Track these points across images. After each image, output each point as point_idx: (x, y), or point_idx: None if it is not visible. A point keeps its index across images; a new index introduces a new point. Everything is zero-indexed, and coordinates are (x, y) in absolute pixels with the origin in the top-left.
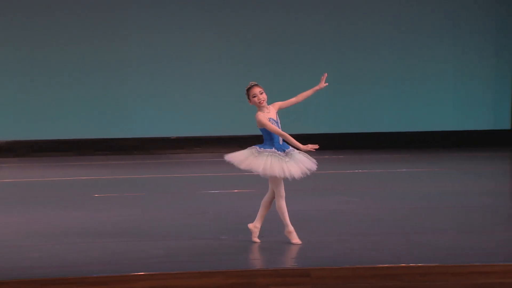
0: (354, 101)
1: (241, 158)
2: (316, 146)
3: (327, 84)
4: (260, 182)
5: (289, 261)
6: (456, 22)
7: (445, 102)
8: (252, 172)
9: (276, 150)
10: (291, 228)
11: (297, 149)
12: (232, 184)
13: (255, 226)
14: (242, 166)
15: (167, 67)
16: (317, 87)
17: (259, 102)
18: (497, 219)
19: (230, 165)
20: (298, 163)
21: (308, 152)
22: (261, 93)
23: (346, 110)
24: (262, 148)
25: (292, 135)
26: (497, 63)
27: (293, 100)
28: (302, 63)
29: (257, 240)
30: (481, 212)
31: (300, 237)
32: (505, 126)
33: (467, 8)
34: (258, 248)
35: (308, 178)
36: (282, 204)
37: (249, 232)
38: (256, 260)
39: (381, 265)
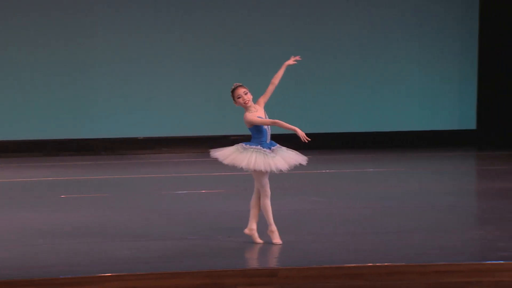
0: (320, 101)
1: (226, 153)
2: (307, 139)
3: (295, 63)
4: (228, 182)
5: (257, 261)
6: (422, 23)
7: (411, 102)
8: (235, 167)
9: (261, 147)
10: (274, 227)
11: (294, 132)
12: (200, 185)
13: (250, 229)
14: (226, 161)
15: (135, 67)
16: (286, 63)
17: (245, 103)
18: (462, 218)
19: (199, 166)
20: (285, 158)
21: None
22: (246, 94)
23: (312, 111)
24: (247, 145)
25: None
26: (463, 64)
27: (270, 88)
28: (267, 64)
29: (259, 241)
30: (446, 212)
31: (266, 237)
32: (471, 126)
33: (432, 9)
34: (226, 249)
35: (276, 178)
36: (267, 203)
37: (214, 233)
38: (224, 261)
39: (348, 265)
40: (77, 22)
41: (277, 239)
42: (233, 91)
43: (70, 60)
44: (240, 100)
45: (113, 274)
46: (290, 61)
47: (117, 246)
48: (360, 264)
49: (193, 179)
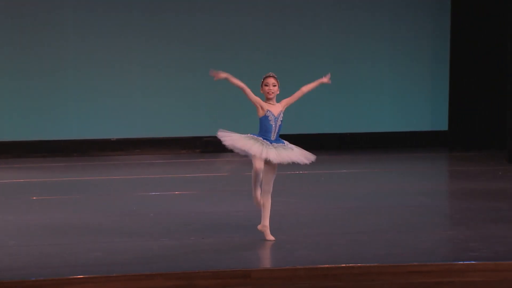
0: (294, 102)
1: (228, 135)
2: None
3: (330, 82)
4: (201, 184)
5: (230, 262)
6: (394, 24)
7: (383, 103)
8: (233, 148)
9: (262, 139)
10: (258, 195)
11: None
12: (173, 186)
13: (263, 226)
14: (226, 141)
15: (108, 68)
16: (321, 80)
17: (268, 93)
18: (434, 219)
19: (172, 167)
20: (281, 152)
21: None
22: (274, 86)
23: (285, 112)
24: (251, 135)
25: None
26: (435, 65)
27: (297, 94)
28: (241, 66)
29: (271, 237)
30: (419, 212)
31: (239, 239)
32: (443, 127)
33: (404, 10)
34: (199, 250)
35: (248, 179)
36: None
37: (187, 235)
38: (197, 262)
39: (320, 266)
40: (47, 24)
41: (258, 204)
42: (265, 77)
43: (41, 61)
44: (266, 88)
45: (85, 276)
46: (325, 80)
47: (89, 247)
48: (332, 265)
49: (166, 180)
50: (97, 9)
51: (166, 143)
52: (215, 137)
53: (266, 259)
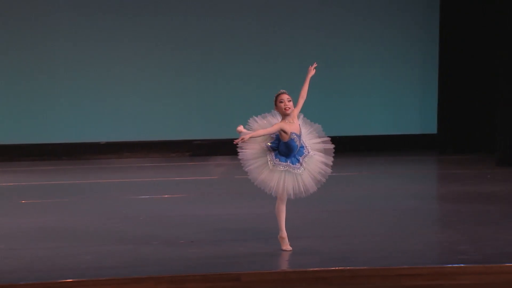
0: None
1: (254, 164)
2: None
3: (314, 71)
4: (190, 187)
5: (220, 265)
6: (384, 28)
7: (373, 107)
8: (263, 186)
9: (291, 164)
10: (284, 234)
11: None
12: (163, 189)
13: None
14: (254, 175)
15: (97, 71)
16: (309, 75)
17: (285, 109)
18: (424, 221)
19: (161, 170)
20: (312, 172)
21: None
22: (289, 101)
23: None
24: (277, 159)
25: (222, 140)
26: (424, 69)
27: (300, 102)
28: (232, 70)
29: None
30: (409, 215)
31: (230, 242)
32: (432, 130)
33: (394, 14)
34: (188, 253)
35: (238, 182)
36: (281, 208)
37: (177, 238)
38: (187, 265)
39: (311, 269)
40: (37, 27)
41: (286, 246)
42: (277, 95)
43: (31, 64)
44: (282, 105)
45: (75, 280)
46: (312, 72)
47: (79, 251)
48: (323, 268)
49: (155, 183)
50: (89, 13)
51: (156, 146)
52: (205, 140)
53: (256, 262)
